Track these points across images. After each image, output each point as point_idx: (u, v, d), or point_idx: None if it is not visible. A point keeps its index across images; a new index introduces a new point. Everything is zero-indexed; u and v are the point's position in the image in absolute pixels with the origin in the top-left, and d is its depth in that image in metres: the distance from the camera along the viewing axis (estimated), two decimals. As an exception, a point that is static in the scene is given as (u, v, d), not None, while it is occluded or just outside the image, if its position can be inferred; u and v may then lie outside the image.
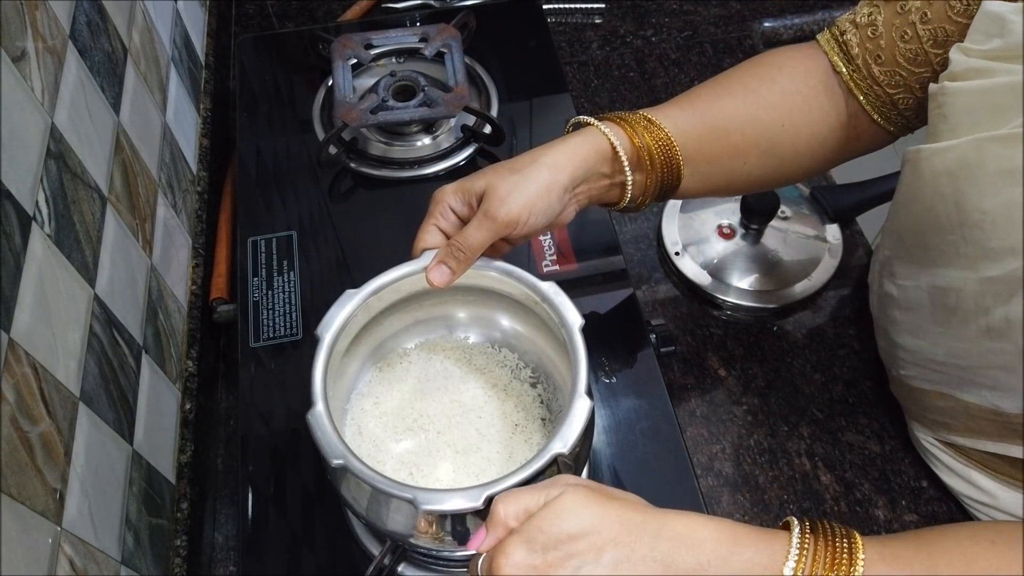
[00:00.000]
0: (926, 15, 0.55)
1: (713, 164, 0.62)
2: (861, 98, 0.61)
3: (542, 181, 0.56)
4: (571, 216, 0.61)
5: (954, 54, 0.52)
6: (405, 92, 0.82)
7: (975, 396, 0.60)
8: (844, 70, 0.60)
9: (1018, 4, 0.48)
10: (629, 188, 0.61)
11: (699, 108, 0.62)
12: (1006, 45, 0.48)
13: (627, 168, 0.59)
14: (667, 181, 0.61)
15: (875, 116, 0.61)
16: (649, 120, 0.60)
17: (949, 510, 0.69)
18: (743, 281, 0.82)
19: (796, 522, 0.45)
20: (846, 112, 0.62)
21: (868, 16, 0.59)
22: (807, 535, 0.44)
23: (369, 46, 0.88)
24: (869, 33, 0.59)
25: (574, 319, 0.54)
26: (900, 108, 0.60)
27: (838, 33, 0.61)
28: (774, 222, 0.83)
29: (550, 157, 0.57)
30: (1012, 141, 0.47)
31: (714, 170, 0.63)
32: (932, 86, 0.53)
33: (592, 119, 0.60)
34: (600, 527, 0.43)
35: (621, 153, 0.59)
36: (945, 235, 0.54)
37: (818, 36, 0.63)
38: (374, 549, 0.60)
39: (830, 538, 0.44)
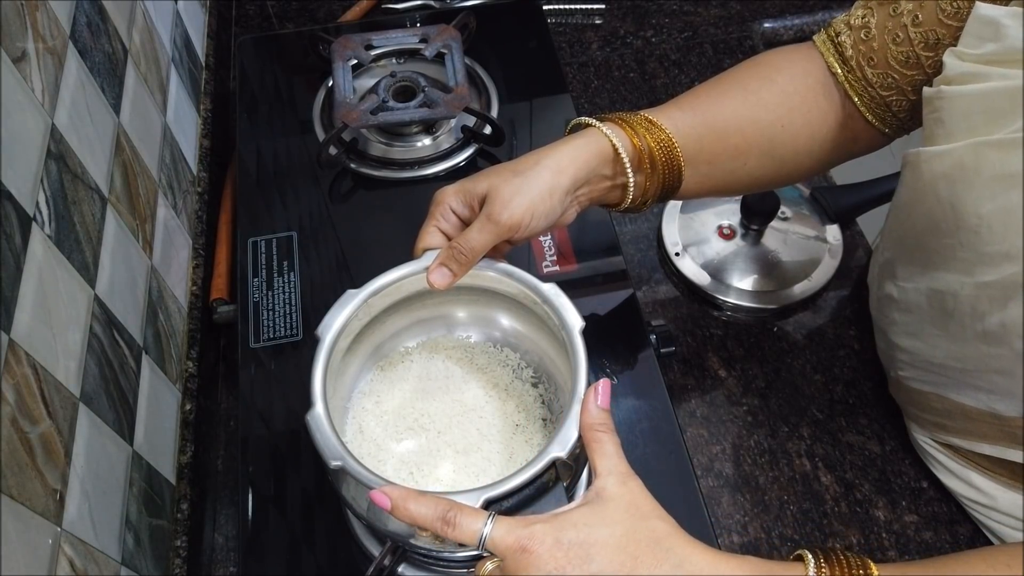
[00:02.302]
0: (917, 17, 0.55)
1: (713, 165, 0.62)
2: (856, 100, 0.61)
3: (544, 184, 0.56)
4: (572, 218, 0.61)
5: (948, 58, 0.52)
6: (405, 93, 0.82)
7: (972, 399, 0.60)
8: (839, 71, 0.61)
9: (1011, 8, 0.48)
10: (630, 189, 0.61)
11: (699, 109, 0.62)
12: (1001, 49, 0.48)
13: (629, 169, 0.59)
14: (668, 182, 0.61)
15: (870, 117, 0.61)
16: (650, 121, 0.60)
17: (950, 511, 0.69)
18: (743, 282, 0.82)
19: (810, 555, 0.46)
20: (843, 113, 0.62)
21: (862, 18, 0.59)
22: (822, 566, 0.45)
23: (369, 47, 0.88)
24: (862, 35, 0.59)
25: (574, 321, 0.54)
26: (894, 110, 0.60)
27: (833, 34, 0.61)
28: (774, 223, 0.83)
29: (552, 159, 0.57)
30: (1009, 146, 0.47)
31: (714, 171, 0.63)
32: (927, 90, 0.53)
33: (593, 120, 0.60)
34: (627, 542, 0.45)
35: (623, 154, 0.59)
36: (942, 238, 0.54)
37: (814, 37, 0.63)
38: (374, 550, 0.60)
39: (845, 568, 0.45)
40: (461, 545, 0.48)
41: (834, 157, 0.65)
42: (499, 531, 0.45)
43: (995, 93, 0.48)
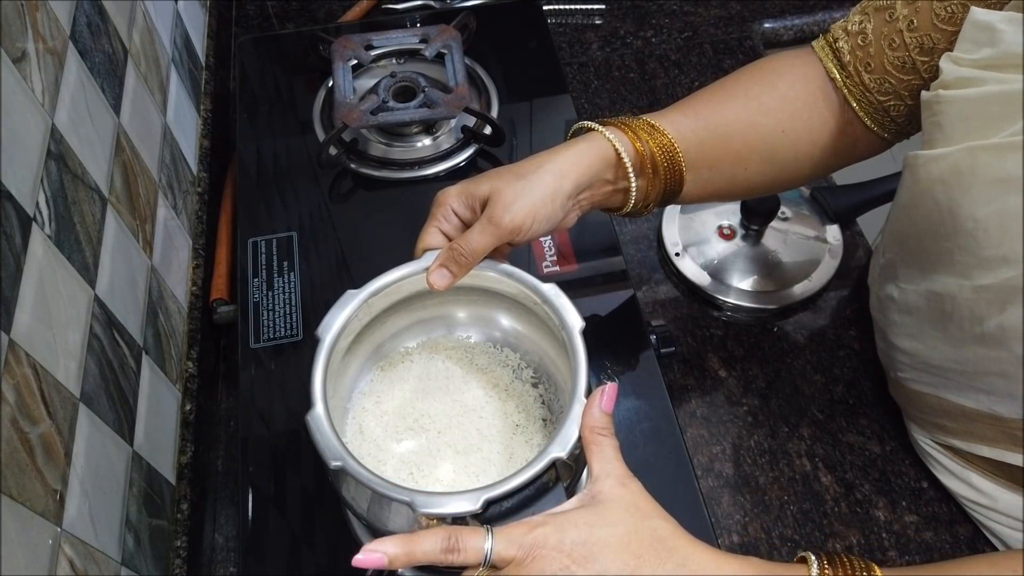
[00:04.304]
0: (913, 23, 0.56)
1: (714, 170, 0.62)
2: (855, 104, 0.61)
3: (547, 188, 0.56)
4: (573, 221, 0.61)
5: (944, 63, 0.52)
6: (405, 93, 0.82)
7: (972, 401, 0.60)
8: (838, 76, 0.61)
9: (1007, 13, 0.48)
10: (632, 194, 0.60)
11: (701, 114, 0.62)
12: (997, 54, 0.48)
13: (631, 174, 0.59)
14: (670, 187, 0.61)
15: (869, 123, 0.61)
16: (652, 125, 0.60)
17: (950, 511, 0.69)
18: (743, 282, 0.82)
19: (813, 557, 0.46)
20: (842, 118, 0.62)
21: (859, 24, 0.59)
22: (825, 567, 0.46)
23: (369, 47, 0.88)
24: (859, 41, 0.59)
25: (574, 321, 0.54)
26: (892, 115, 0.60)
27: (831, 40, 0.61)
28: (774, 223, 0.83)
29: (555, 163, 0.57)
30: (1004, 149, 0.48)
31: (715, 176, 0.63)
32: (925, 94, 0.54)
33: (595, 124, 0.60)
34: (630, 541, 0.45)
35: (625, 159, 0.59)
36: (940, 242, 0.54)
37: (813, 43, 0.63)
38: (374, 550, 0.60)
39: (848, 570, 0.45)
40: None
41: (834, 162, 0.65)
42: (501, 543, 0.45)
43: (991, 98, 0.48)
